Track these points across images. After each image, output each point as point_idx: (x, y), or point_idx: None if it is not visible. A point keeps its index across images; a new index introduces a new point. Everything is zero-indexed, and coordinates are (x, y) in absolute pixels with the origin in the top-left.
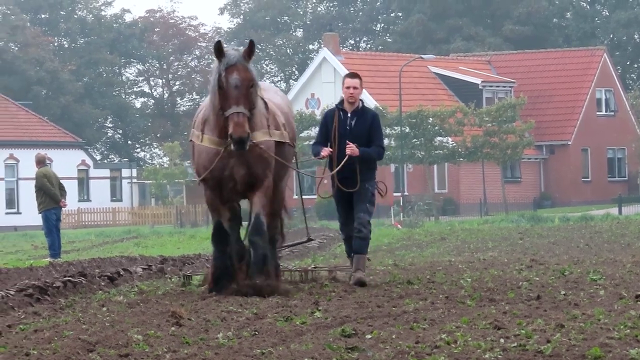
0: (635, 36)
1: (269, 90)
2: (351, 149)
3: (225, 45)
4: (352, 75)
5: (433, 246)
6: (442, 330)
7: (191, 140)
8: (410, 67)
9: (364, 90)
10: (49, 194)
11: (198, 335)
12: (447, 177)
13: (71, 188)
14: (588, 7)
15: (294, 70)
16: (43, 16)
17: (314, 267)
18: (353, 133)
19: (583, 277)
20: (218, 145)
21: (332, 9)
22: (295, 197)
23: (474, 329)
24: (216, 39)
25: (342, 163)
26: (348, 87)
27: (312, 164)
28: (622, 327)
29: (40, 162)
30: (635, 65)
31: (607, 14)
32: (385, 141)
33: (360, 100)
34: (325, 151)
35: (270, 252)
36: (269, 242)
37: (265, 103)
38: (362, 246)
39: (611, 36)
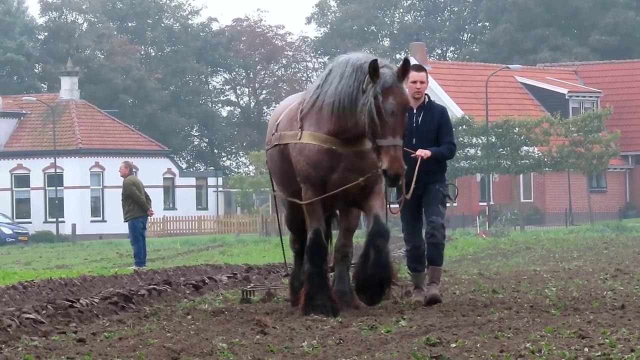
0: None
1: None
2: (422, 152)
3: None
4: (418, 67)
5: (518, 255)
6: (526, 339)
7: (273, 146)
8: (496, 77)
9: (447, 95)
10: (138, 202)
11: (283, 343)
12: (532, 186)
13: (157, 196)
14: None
15: None
16: (130, 24)
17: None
18: (420, 131)
19: None
20: (326, 142)
21: (419, 18)
22: None
23: (558, 338)
24: (303, 47)
25: (417, 168)
26: (414, 82)
27: None
28: None
29: (129, 170)
30: None
31: None
32: (472, 151)
33: (426, 94)
34: None
35: (345, 271)
36: (348, 259)
37: None
38: (436, 255)
39: None
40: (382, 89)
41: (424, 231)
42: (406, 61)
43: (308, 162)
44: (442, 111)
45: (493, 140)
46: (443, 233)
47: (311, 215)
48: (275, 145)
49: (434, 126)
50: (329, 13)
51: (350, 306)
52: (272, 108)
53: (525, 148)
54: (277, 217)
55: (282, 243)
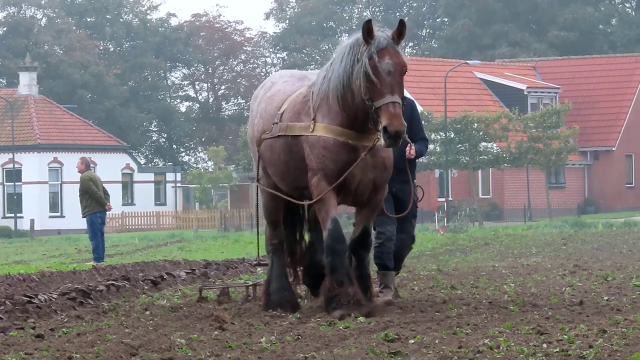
0: None
1: None
2: (412, 150)
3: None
4: None
5: (477, 251)
6: (485, 335)
7: (277, 136)
8: (455, 72)
9: (406, 90)
10: (95, 198)
11: (241, 339)
12: (491, 182)
13: (115, 192)
14: (633, 13)
15: None
16: (89, 20)
17: None
18: None
19: (626, 283)
20: (341, 135)
21: (377, 14)
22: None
23: (516, 334)
24: (262, 43)
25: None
26: None
27: None
28: None
29: (85, 165)
30: None
31: None
32: (431, 147)
33: None
34: None
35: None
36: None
37: None
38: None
39: None
40: (377, 49)
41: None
42: (401, 22)
43: (324, 153)
44: (412, 106)
45: (452, 136)
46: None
47: (326, 206)
48: (279, 135)
49: (406, 122)
50: (287, 8)
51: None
52: (230, 103)
53: (483, 144)
54: (257, 209)
55: (257, 232)
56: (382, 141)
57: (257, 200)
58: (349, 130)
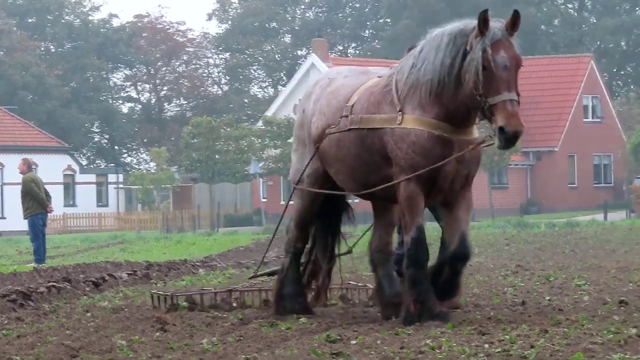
0: (622, 43)
1: None
2: None
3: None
4: None
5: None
6: (427, 335)
7: (347, 130)
8: None
9: None
10: (37, 199)
11: (182, 340)
12: None
13: (57, 193)
14: (576, 14)
15: (282, 76)
16: (30, 20)
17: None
18: None
19: (568, 283)
20: (436, 128)
21: (320, 15)
22: (282, 202)
23: (458, 335)
24: (204, 43)
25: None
26: None
27: None
28: (605, 332)
29: (27, 167)
30: (622, 72)
31: (595, 21)
32: None
33: None
34: None
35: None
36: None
37: None
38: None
39: (598, 43)
40: (491, 42)
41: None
42: (516, 13)
43: (415, 149)
44: None
45: None
46: None
47: (413, 209)
48: (350, 129)
49: None
50: (230, 9)
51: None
52: (172, 104)
53: None
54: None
55: (272, 239)
56: (496, 142)
57: (287, 201)
58: (445, 124)
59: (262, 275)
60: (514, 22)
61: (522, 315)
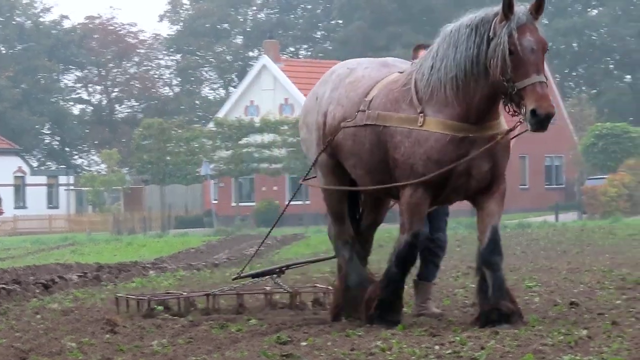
0: (574, 44)
1: None
2: None
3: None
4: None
5: (377, 253)
6: (377, 337)
7: (364, 125)
8: None
9: (301, 93)
10: None
11: (132, 342)
12: None
13: (7, 195)
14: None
15: (233, 77)
16: None
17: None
18: None
19: (519, 284)
20: (459, 131)
21: (272, 16)
22: (233, 204)
23: (409, 336)
24: (156, 45)
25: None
26: None
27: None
28: (556, 333)
29: None
30: (574, 74)
31: (547, 22)
32: None
33: None
34: None
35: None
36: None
37: None
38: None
39: (550, 44)
40: (517, 26)
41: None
42: None
43: (430, 156)
44: None
45: None
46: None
47: (414, 214)
48: (367, 124)
49: None
50: (181, 11)
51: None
52: (123, 106)
53: None
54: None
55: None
56: (528, 125)
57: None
58: (467, 124)
59: (246, 276)
60: (539, 6)
61: (472, 317)
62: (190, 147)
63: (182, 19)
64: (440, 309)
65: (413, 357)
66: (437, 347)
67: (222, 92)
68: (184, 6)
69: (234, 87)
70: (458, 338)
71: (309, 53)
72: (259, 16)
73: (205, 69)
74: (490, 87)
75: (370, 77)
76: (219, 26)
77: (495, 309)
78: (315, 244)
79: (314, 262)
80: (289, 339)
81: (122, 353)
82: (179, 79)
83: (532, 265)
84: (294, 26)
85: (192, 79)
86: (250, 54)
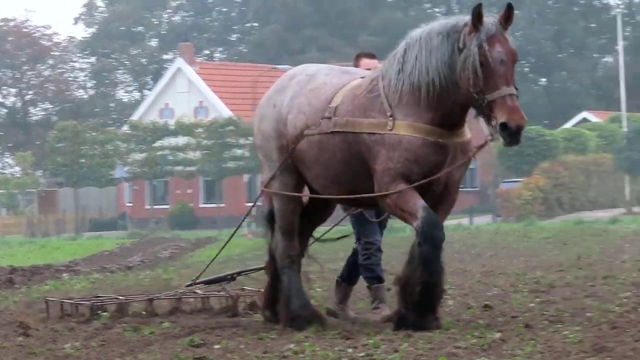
0: None
1: None
2: None
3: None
4: (371, 55)
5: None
6: (290, 340)
7: (329, 132)
8: (265, 77)
9: (216, 95)
10: None
11: (45, 345)
12: None
13: None
14: (443, 17)
15: (148, 80)
16: None
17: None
18: None
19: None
20: (431, 134)
21: (187, 19)
22: (147, 207)
23: (322, 339)
24: (70, 47)
25: None
26: (369, 70)
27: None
28: (469, 336)
29: None
30: None
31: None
32: (240, 152)
33: None
34: None
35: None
36: None
37: None
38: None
39: None
40: (486, 37)
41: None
42: (510, 6)
43: (409, 157)
44: None
45: None
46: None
47: (409, 202)
48: (334, 132)
49: None
50: (96, 13)
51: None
52: (38, 109)
53: None
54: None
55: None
56: (500, 139)
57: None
58: (439, 129)
59: (201, 282)
60: (508, 16)
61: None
62: (104, 149)
63: (97, 21)
64: (355, 312)
65: None
66: (350, 350)
67: (136, 94)
68: (99, 9)
69: (149, 89)
70: (371, 341)
71: (224, 56)
72: (174, 19)
73: (120, 71)
74: (461, 97)
75: (332, 84)
76: (133, 29)
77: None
78: (229, 247)
79: (261, 269)
80: (202, 342)
81: (34, 356)
82: (94, 82)
83: (446, 268)
84: (209, 29)
85: (107, 81)
86: (165, 56)
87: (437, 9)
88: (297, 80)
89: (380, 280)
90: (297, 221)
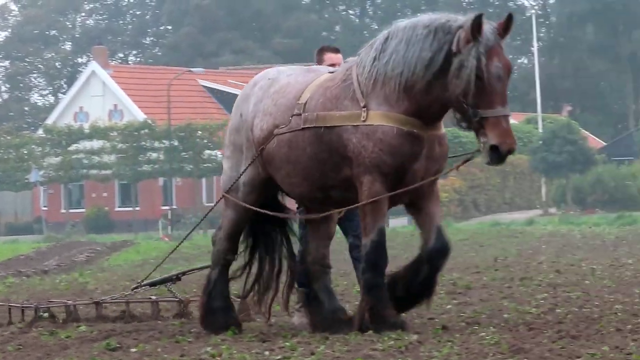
0: None
1: None
2: None
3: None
4: (335, 49)
5: (201, 259)
6: (207, 343)
7: (301, 129)
8: (179, 80)
9: (130, 99)
10: None
11: None
12: (215, 190)
13: None
14: (357, 20)
15: (62, 83)
16: None
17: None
18: None
19: (349, 289)
20: (405, 124)
21: (101, 22)
22: (63, 210)
23: (239, 342)
24: None
25: None
26: (333, 65)
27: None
28: (386, 338)
29: None
30: None
31: (376, 27)
32: (154, 155)
33: None
34: None
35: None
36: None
37: None
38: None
39: None
40: (485, 49)
41: None
42: (510, 17)
43: (382, 147)
44: None
45: (175, 144)
46: None
47: (376, 212)
48: (305, 128)
49: None
50: (9, 17)
51: (345, 323)
52: None
53: (208, 152)
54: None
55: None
56: (486, 159)
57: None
58: (414, 119)
59: (145, 285)
60: (507, 27)
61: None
62: (19, 153)
63: (10, 25)
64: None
65: None
66: (267, 352)
67: (51, 98)
68: (12, 12)
69: (63, 93)
70: (288, 344)
71: (139, 59)
72: (87, 22)
73: (34, 75)
74: (445, 97)
75: (298, 82)
76: (47, 32)
77: (415, 297)
78: (145, 250)
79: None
80: (119, 346)
81: None
82: (8, 86)
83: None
84: (123, 32)
85: (21, 85)
86: (79, 60)
87: (351, 12)
88: (259, 86)
89: None
90: (242, 230)
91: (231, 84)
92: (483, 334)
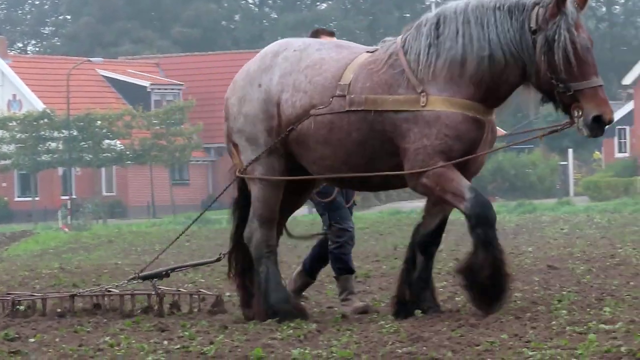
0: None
1: None
2: None
3: None
4: (331, 32)
5: (101, 249)
6: (106, 333)
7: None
8: (78, 70)
9: (29, 89)
10: None
11: None
12: (115, 180)
13: None
14: (257, 9)
15: None
16: None
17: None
18: None
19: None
20: (470, 109)
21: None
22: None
23: (137, 332)
24: None
25: None
26: None
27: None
28: (285, 327)
29: None
30: None
31: (276, 16)
32: (53, 144)
33: None
34: None
35: None
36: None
37: None
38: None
39: (279, 39)
40: (573, 21)
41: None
42: None
43: (449, 133)
44: None
45: (75, 133)
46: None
47: (453, 182)
48: (350, 111)
49: None
50: None
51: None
52: None
53: (107, 141)
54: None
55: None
56: (585, 131)
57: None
58: (478, 104)
59: (134, 279)
60: (585, 1)
61: (200, 313)
62: None
63: None
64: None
65: (142, 353)
66: (165, 342)
67: None
68: None
69: None
70: (187, 333)
71: (37, 49)
72: None
73: None
74: (519, 77)
75: (333, 59)
76: None
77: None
78: (44, 240)
79: (197, 265)
80: (17, 336)
81: None
82: None
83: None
84: (22, 22)
85: None
86: None
87: (250, 1)
88: (283, 57)
89: (350, 271)
90: (278, 211)
91: (130, 74)
92: (382, 322)
